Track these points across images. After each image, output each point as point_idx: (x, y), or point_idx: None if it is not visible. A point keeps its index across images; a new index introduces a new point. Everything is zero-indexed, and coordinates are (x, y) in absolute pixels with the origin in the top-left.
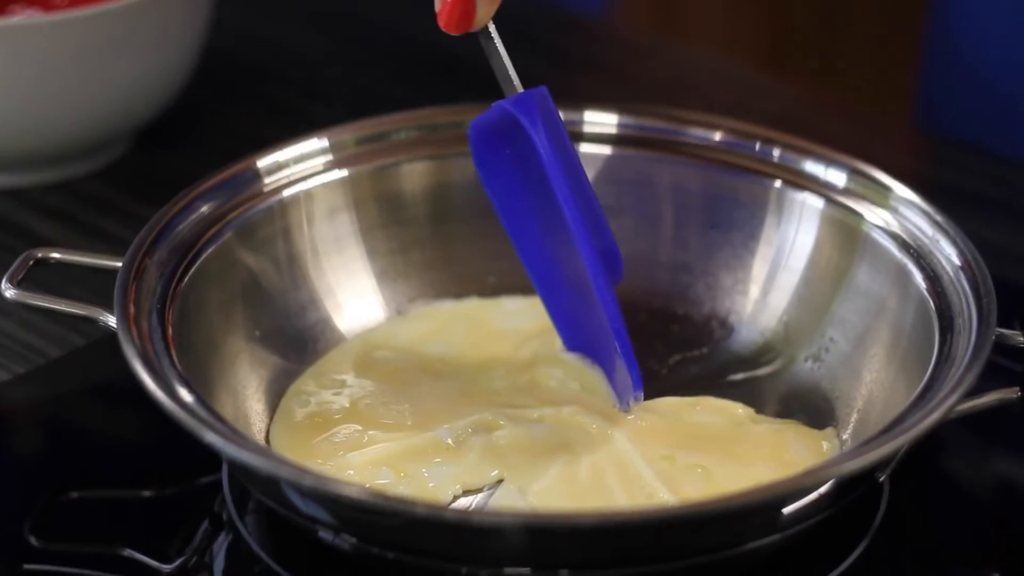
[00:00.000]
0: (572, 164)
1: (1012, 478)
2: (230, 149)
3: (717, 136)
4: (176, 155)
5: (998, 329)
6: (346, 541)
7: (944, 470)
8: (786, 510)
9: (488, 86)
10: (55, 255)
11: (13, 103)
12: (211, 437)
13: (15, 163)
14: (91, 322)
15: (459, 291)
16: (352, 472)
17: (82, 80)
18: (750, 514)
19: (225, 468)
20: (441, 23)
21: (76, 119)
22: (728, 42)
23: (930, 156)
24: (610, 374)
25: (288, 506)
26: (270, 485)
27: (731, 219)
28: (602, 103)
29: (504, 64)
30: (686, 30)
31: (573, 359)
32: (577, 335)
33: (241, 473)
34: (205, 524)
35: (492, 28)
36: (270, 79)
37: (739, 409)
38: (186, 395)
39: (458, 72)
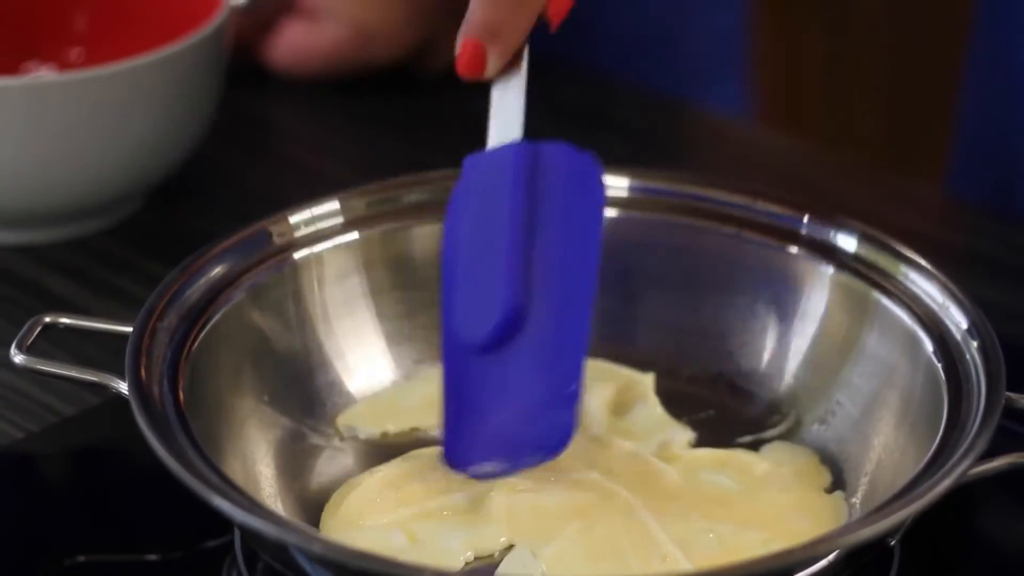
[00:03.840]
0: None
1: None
2: (243, 207)
3: (727, 199)
4: (189, 212)
5: (1008, 394)
6: None
7: (955, 530)
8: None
9: None
10: (64, 320)
11: (27, 161)
12: (220, 502)
13: (28, 220)
14: (96, 386)
15: None
16: (366, 535)
17: (96, 138)
18: None
19: (237, 532)
20: (459, 68)
21: (90, 177)
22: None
23: (945, 219)
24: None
25: (298, 571)
26: (279, 550)
27: (740, 282)
28: (612, 165)
29: (512, 110)
30: None
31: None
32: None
33: (250, 537)
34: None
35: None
36: (284, 136)
37: (763, 464)
38: (197, 460)
39: (473, 133)
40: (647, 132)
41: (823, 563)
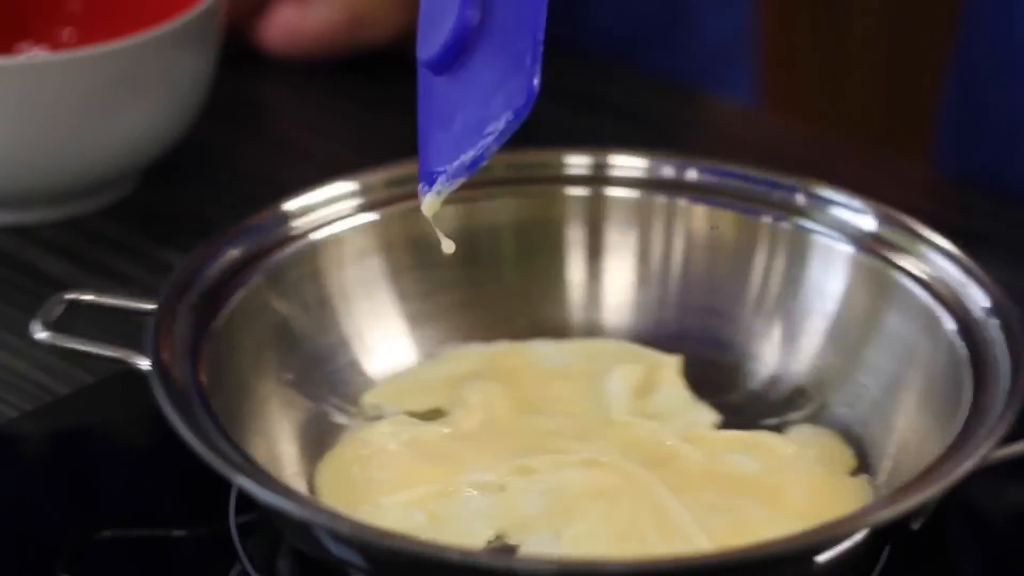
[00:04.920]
0: None
1: None
2: (237, 187)
3: (747, 181)
4: (183, 193)
5: None
6: None
7: (971, 516)
8: (820, 558)
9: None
10: (86, 297)
11: (21, 141)
12: (243, 481)
13: (22, 200)
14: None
15: (489, 334)
16: (387, 514)
17: (89, 118)
18: (785, 560)
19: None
20: None
21: (84, 157)
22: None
23: (948, 199)
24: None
25: (321, 550)
26: (302, 529)
27: (761, 264)
28: (630, 147)
29: None
30: None
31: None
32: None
33: (273, 517)
34: (237, 565)
35: None
36: (277, 117)
37: (788, 447)
38: (220, 439)
39: None
40: (650, 116)
41: (845, 545)
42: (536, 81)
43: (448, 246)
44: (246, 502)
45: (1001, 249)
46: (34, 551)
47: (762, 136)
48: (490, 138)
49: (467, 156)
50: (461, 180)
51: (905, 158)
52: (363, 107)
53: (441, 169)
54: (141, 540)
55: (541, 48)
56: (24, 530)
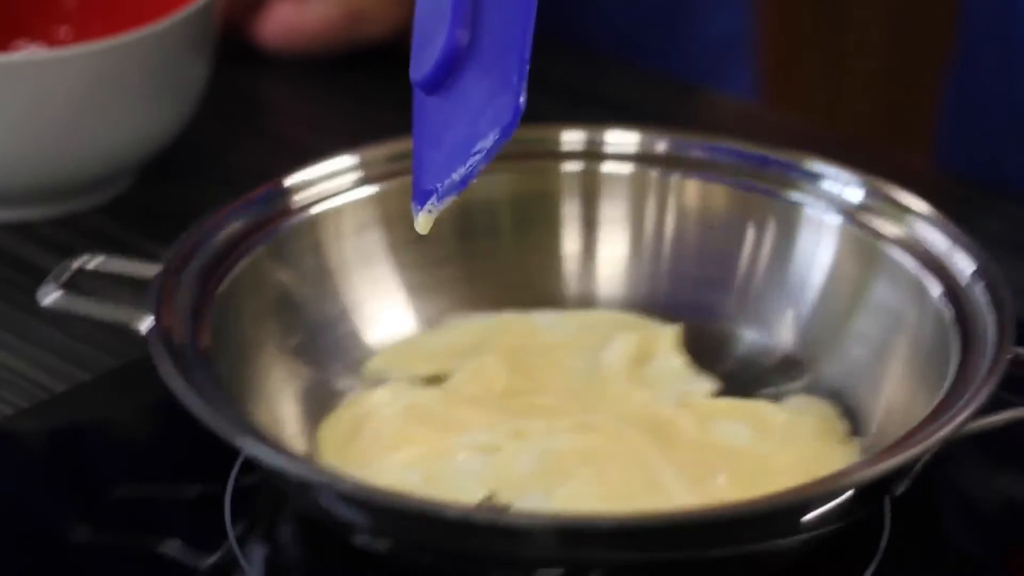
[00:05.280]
0: None
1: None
2: (235, 183)
3: (738, 156)
4: (181, 189)
5: (1017, 348)
6: (380, 545)
7: (951, 490)
8: (804, 519)
9: None
10: (95, 263)
11: (18, 138)
12: (244, 441)
13: (19, 197)
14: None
15: (492, 305)
16: (383, 474)
17: (87, 115)
18: (766, 519)
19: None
20: None
21: (82, 154)
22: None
23: (948, 195)
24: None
25: (322, 511)
26: (303, 491)
27: (752, 236)
28: (623, 123)
29: None
30: None
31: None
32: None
33: (276, 479)
34: (242, 523)
35: None
36: (275, 113)
37: (781, 415)
38: (220, 401)
39: None
40: (650, 113)
41: (826, 507)
42: (522, 99)
43: (421, 227)
44: (248, 469)
45: (1001, 245)
46: (34, 546)
47: (762, 132)
48: (478, 156)
49: (457, 174)
50: (452, 198)
51: (906, 155)
52: (361, 103)
53: (432, 188)
54: (139, 535)
55: (527, 67)
56: (24, 525)
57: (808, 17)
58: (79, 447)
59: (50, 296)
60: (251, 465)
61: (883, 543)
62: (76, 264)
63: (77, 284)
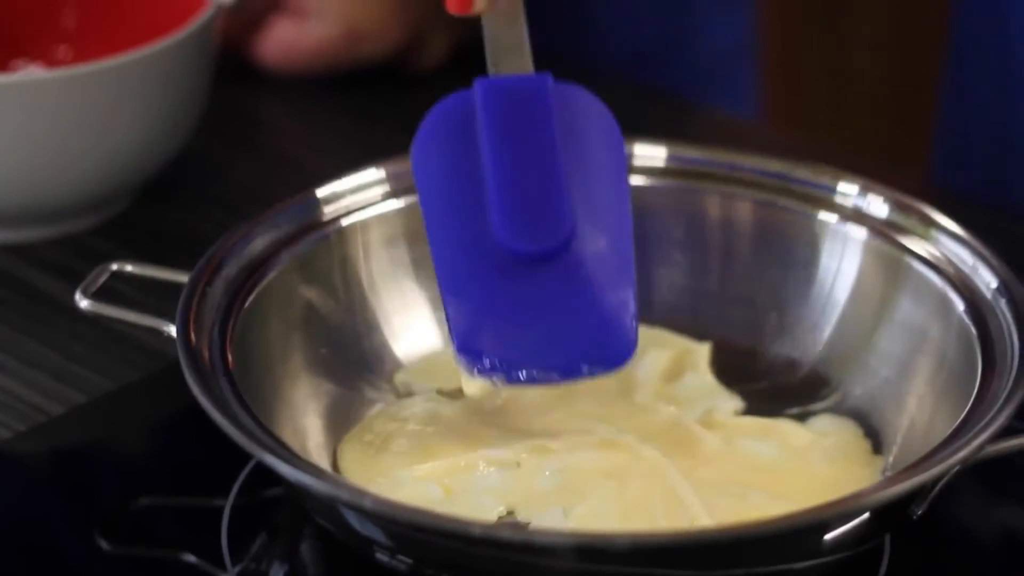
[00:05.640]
0: (529, 148)
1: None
2: (233, 203)
3: (763, 171)
4: (179, 209)
5: None
6: (402, 562)
7: (950, 521)
8: (822, 539)
9: None
10: (128, 268)
11: (15, 159)
12: (265, 457)
13: (17, 218)
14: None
15: None
16: (403, 487)
17: (85, 135)
18: (783, 539)
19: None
20: (447, 5)
21: (79, 174)
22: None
23: (946, 214)
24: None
25: (343, 526)
26: (324, 506)
27: (778, 251)
28: (651, 136)
29: (517, 43)
30: None
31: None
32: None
33: (297, 492)
34: (263, 536)
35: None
36: (274, 132)
37: (805, 435)
38: (242, 412)
39: None
40: (651, 130)
41: (844, 528)
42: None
43: (470, 391)
44: (271, 478)
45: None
46: (40, 566)
47: (764, 150)
48: (557, 375)
49: (526, 373)
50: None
51: (904, 172)
52: (360, 121)
53: (493, 362)
54: (175, 508)
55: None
56: (28, 545)
57: (810, 32)
58: (79, 469)
59: (85, 302)
60: (255, 481)
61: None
62: (113, 267)
63: (107, 291)
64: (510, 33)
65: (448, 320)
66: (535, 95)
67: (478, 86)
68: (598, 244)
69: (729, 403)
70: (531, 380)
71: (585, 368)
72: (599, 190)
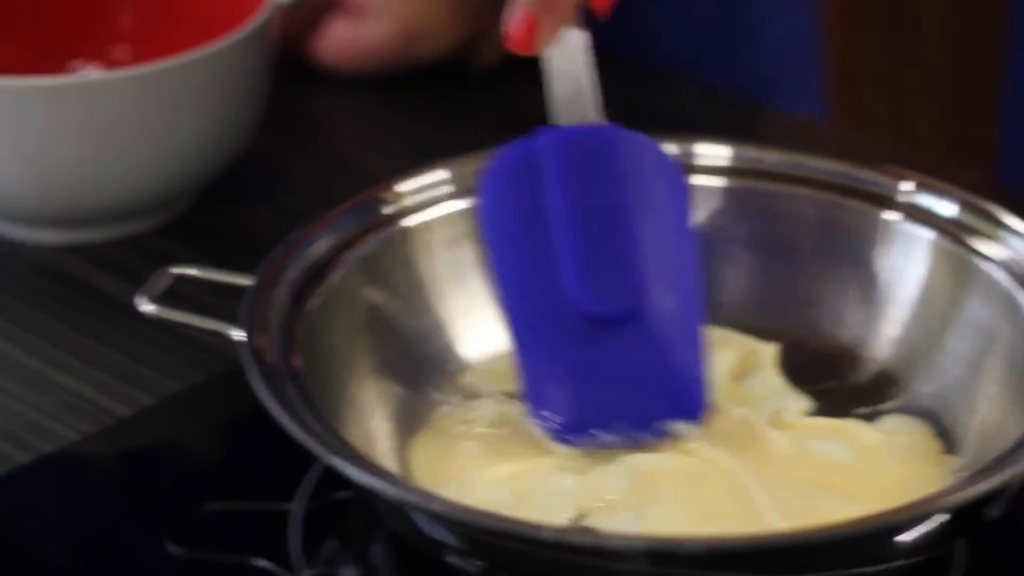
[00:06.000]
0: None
1: None
2: (292, 203)
3: (830, 170)
4: (239, 210)
5: None
6: (473, 565)
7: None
8: (895, 541)
9: None
10: (191, 272)
11: (78, 161)
12: (335, 461)
13: (80, 219)
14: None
15: None
16: (473, 490)
17: (145, 137)
18: (857, 542)
19: None
20: (510, 43)
21: (139, 176)
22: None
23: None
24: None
25: (414, 529)
26: (395, 509)
27: (846, 251)
28: (715, 136)
29: (583, 89)
30: None
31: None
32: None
33: (367, 496)
34: (334, 540)
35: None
36: (333, 132)
37: (875, 435)
38: (309, 417)
39: (521, 128)
40: (712, 129)
41: (919, 531)
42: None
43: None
44: (339, 481)
45: None
46: (108, 569)
47: (826, 150)
48: (629, 434)
49: (603, 433)
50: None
51: (969, 171)
52: (418, 120)
53: (567, 423)
54: (245, 512)
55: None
56: (95, 549)
57: (872, 27)
58: (147, 472)
59: (148, 307)
60: (323, 484)
61: None
62: (174, 272)
63: (171, 294)
64: (575, 74)
65: (522, 381)
66: (605, 147)
67: (546, 138)
68: (667, 302)
69: (798, 403)
70: (604, 441)
71: (657, 426)
72: (667, 245)
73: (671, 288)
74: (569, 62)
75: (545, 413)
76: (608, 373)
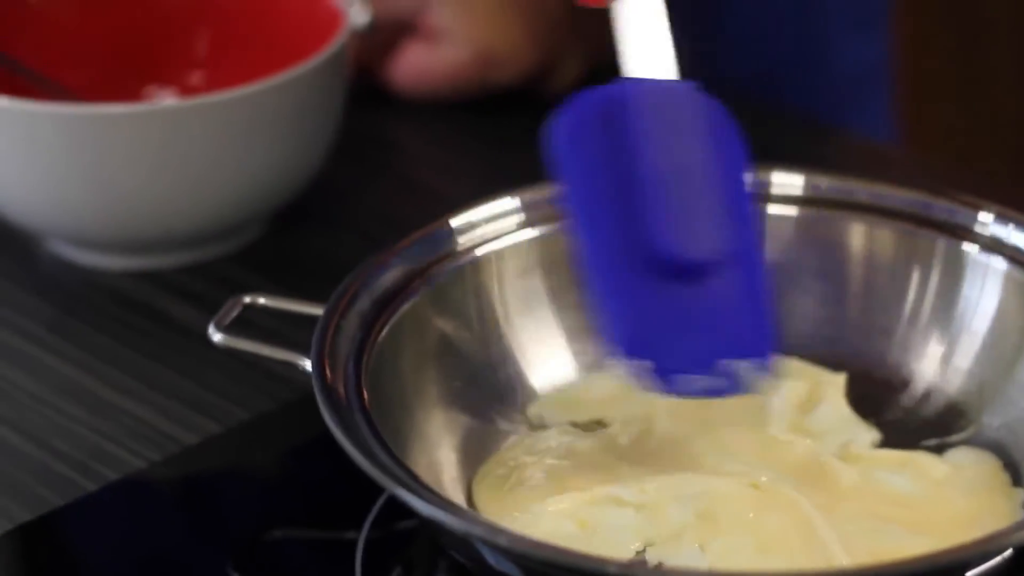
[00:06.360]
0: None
1: None
2: (366, 230)
3: (902, 199)
4: (311, 236)
5: None
6: None
7: None
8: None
9: None
10: (261, 301)
11: (149, 187)
12: (401, 492)
13: (150, 245)
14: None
15: None
16: (538, 522)
17: (218, 163)
18: None
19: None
20: None
21: (212, 202)
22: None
23: None
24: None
25: (478, 561)
26: (460, 541)
27: (917, 281)
28: (786, 159)
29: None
30: None
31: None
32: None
33: (432, 527)
34: (398, 570)
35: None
36: (407, 157)
37: (943, 468)
38: (377, 447)
39: None
40: (785, 153)
41: (986, 566)
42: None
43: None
44: (404, 510)
45: None
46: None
47: (896, 174)
48: (707, 377)
49: (684, 377)
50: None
51: None
52: (493, 146)
53: (654, 366)
54: (309, 540)
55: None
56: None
57: (946, 50)
58: (213, 499)
59: (218, 336)
60: (386, 512)
61: None
62: (245, 300)
63: (240, 321)
64: (648, 27)
65: (606, 322)
66: (680, 100)
67: (629, 88)
68: (739, 250)
69: (866, 435)
70: (685, 386)
71: (731, 367)
72: (734, 197)
73: (740, 237)
74: (642, 15)
75: (629, 358)
76: (687, 319)
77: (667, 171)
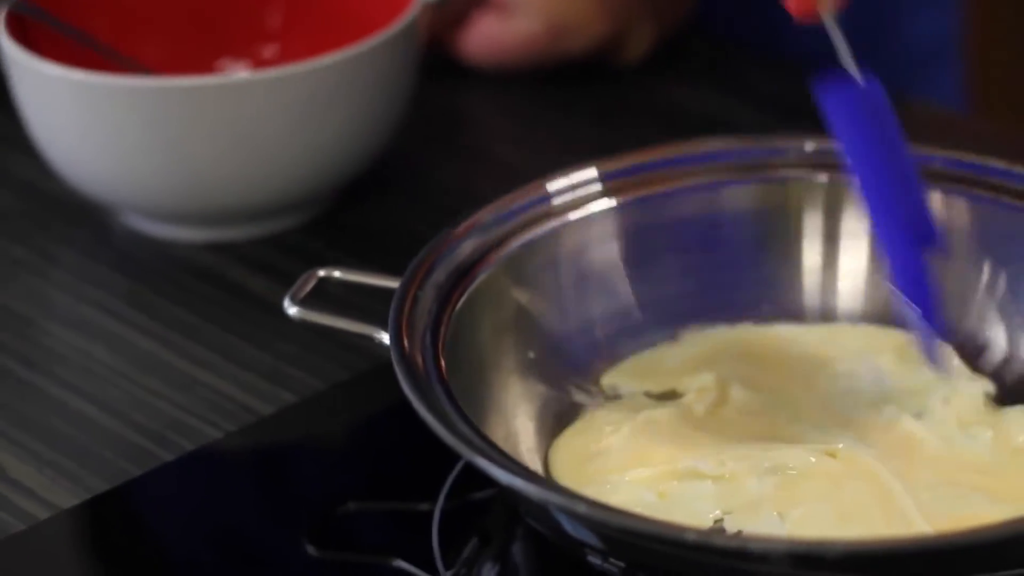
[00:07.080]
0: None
1: None
2: (437, 201)
3: (977, 168)
4: (383, 207)
5: None
6: (614, 565)
7: None
8: None
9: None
10: (336, 274)
11: (224, 159)
12: (480, 461)
13: (224, 217)
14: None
15: (729, 318)
16: (617, 492)
17: (291, 135)
18: (1003, 547)
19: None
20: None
21: (284, 174)
22: None
23: None
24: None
25: (557, 529)
26: (539, 510)
27: (991, 249)
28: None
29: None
30: None
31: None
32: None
33: (510, 496)
34: (475, 540)
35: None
36: (478, 129)
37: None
38: (456, 417)
39: (666, 122)
40: None
41: None
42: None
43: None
44: (478, 481)
45: None
46: (245, 569)
47: (969, 142)
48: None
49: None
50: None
51: None
52: (564, 116)
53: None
54: (384, 512)
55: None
56: (233, 548)
57: (1018, 21)
58: (287, 471)
59: (293, 309)
60: (460, 484)
61: None
62: (320, 273)
63: (316, 293)
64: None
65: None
66: (883, 97)
67: (869, 84)
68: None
69: (975, 386)
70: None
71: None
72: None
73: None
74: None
75: (910, 303)
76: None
77: (904, 156)
